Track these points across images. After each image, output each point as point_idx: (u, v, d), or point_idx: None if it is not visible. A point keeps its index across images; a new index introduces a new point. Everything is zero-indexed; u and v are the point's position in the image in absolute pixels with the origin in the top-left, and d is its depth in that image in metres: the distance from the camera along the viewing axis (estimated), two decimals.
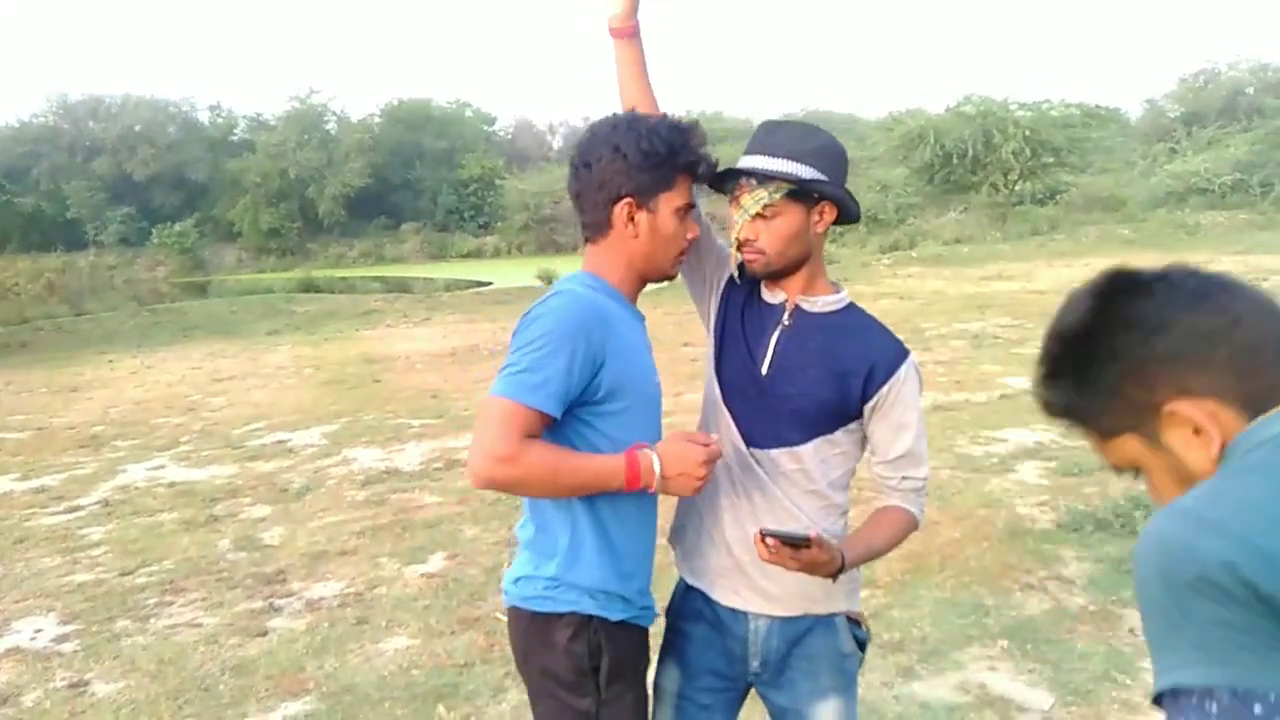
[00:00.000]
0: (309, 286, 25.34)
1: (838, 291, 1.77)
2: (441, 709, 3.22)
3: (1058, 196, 29.71)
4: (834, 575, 1.59)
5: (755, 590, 1.73)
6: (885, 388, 1.68)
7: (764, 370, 1.71)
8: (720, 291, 1.82)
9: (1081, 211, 27.66)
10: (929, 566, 4.07)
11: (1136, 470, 0.99)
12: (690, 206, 1.63)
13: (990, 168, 25.96)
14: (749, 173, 1.67)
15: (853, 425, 1.72)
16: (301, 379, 11.17)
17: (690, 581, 1.81)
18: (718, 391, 1.77)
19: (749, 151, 1.69)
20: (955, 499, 5.00)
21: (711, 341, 1.81)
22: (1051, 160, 25.63)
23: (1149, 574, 0.83)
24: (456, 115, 49.67)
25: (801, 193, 1.65)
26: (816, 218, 1.69)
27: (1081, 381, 0.97)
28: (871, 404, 1.69)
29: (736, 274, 1.77)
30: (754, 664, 1.76)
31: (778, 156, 1.66)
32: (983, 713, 2.99)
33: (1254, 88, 36.35)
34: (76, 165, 43.12)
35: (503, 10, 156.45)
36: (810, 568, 1.52)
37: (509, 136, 55.21)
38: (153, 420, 8.94)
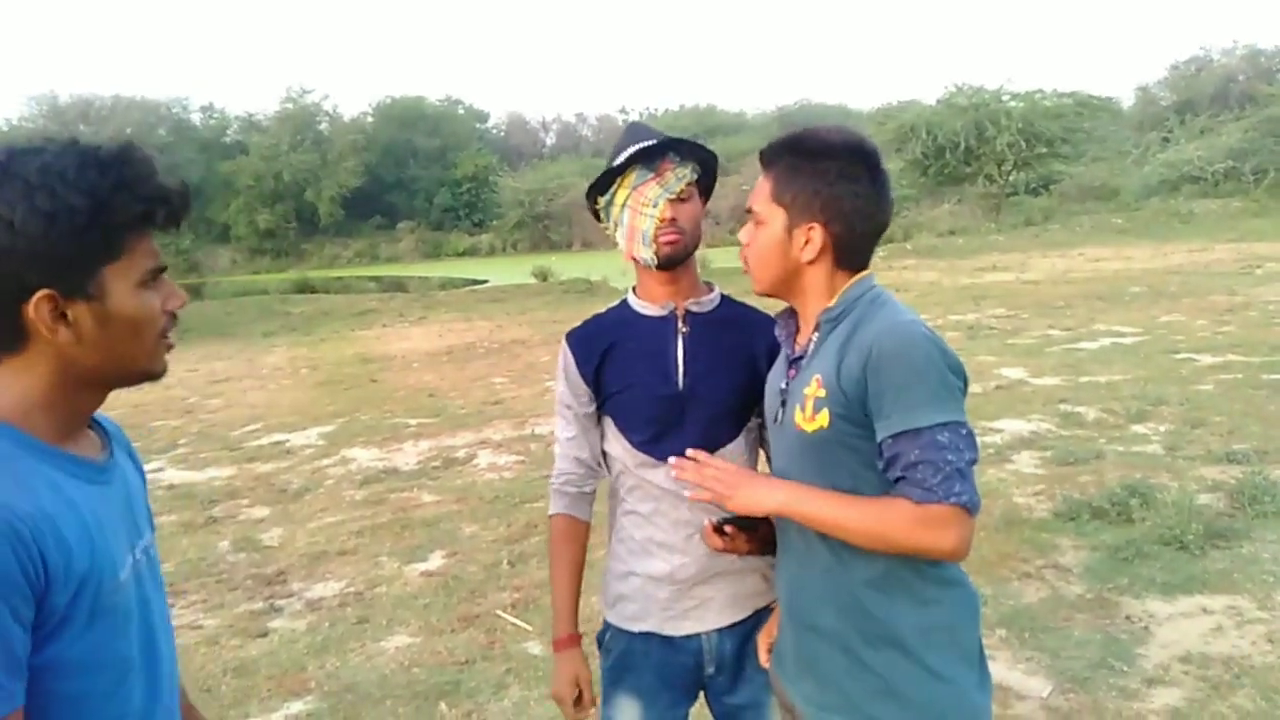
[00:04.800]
0: (304, 287, 25.33)
1: (712, 288, 1.80)
2: (443, 706, 3.23)
3: (1051, 187, 29.79)
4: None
5: (704, 607, 1.75)
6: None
7: (681, 384, 1.71)
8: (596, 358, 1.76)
9: (1075, 201, 27.73)
10: None
11: (755, 225, 1.47)
12: (162, 268, 1.06)
13: (983, 159, 26.03)
14: (676, 145, 1.68)
15: (757, 407, 1.78)
16: (298, 379, 11.17)
17: (634, 629, 1.78)
18: (627, 441, 1.74)
19: (638, 140, 1.67)
20: None
21: (596, 402, 1.77)
22: (1045, 150, 25.71)
23: (930, 354, 1.30)
24: (449, 113, 49.67)
25: (699, 180, 1.72)
26: (703, 205, 1.75)
27: (808, 174, 1.41)
28: None
29: (653, 263, 1.70)
30: (709, 670, 1.78)
31: (668, 138, 1.70)
32: None
33: (1246, 75, 36.42)
34: None
35: (492, 4, 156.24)
36: (763, 545, 1.56)
37: (502, 134, 55.18)
38: (150, 423, 8.93)
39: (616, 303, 1.83)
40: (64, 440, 1.03)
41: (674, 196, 1.66)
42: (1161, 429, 5.81)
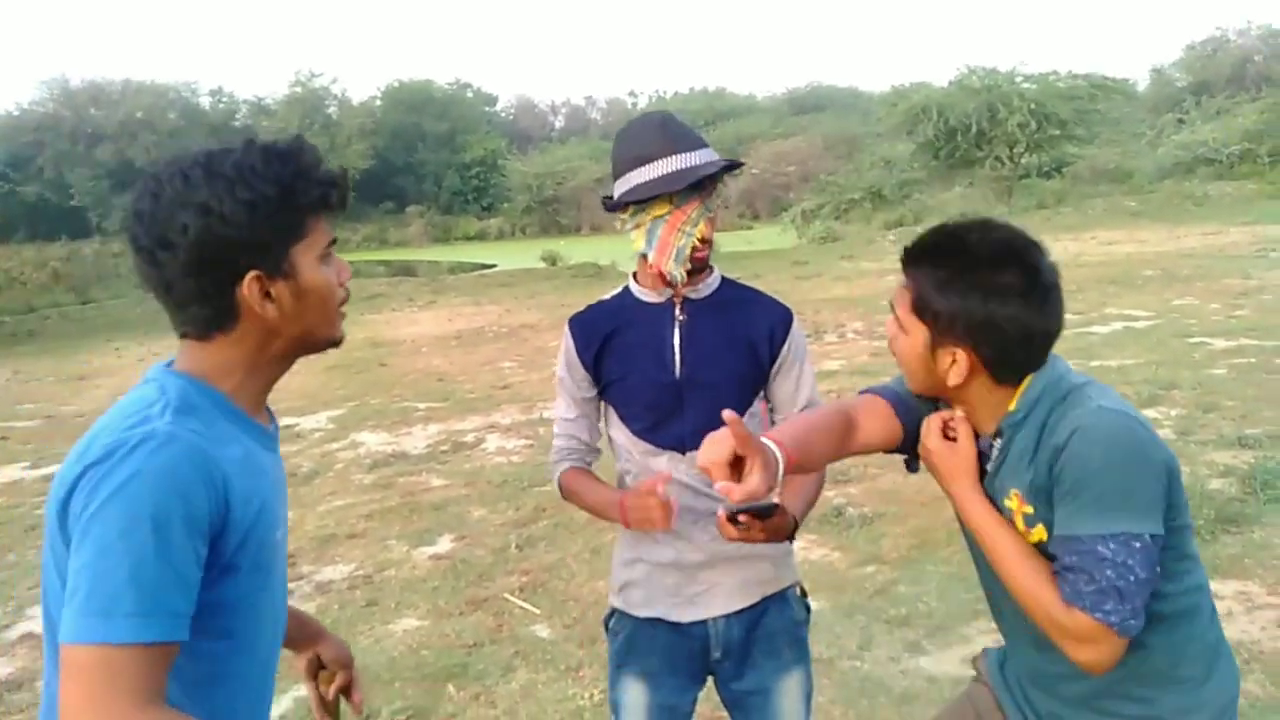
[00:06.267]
0: None
1: (711, 270, 1.78)
2: (451, 688, 3.25)
3: (1064, 169, 29.52)
4: (790, 536, 1.64)
5: (711, 593, 1.74)
6: (785, 346, 1.75)
7: (678, 372, 1.70)
8: (593, 348, 1.76)
9: (1088, 184, 27.50)
10: (935, 541, 4.08)
11: (898, 326, 1.35)
12: (334, 241, 1.20)
13: (995, 141, 25.77)
14: (726, 169, 1.64)
15: (761, 391, 1.77)
16: (307, 363, 11.10)
17: (641, 614, 1.79)
18: (628, 429, 1.75)
19: (675, 150, 1.62)
20: None
21: (596, 387, 1.78)
22: (1057, 133, 25.41)
23: (1113, 451, 1.19)
24: (457, 96, 49.56)
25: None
26: None
27: (954, 289, 1.27)
28: (777, 364, 1.75)
29: (683, 279, 1.68)
30: (716, 655, 1.78)
31: (705, 147, 1.66)
32: None
33: (1263, 55, 36.00)
34: (79, 153, 43.13)
35: None
36: (775, 534, 1.55)
37: (510, 117, 55.08)
38: None
39: (619, 289, 1.82)
40: (252, 408, 1.19)
41: (712, 214, 1.66)
42: (1173, 413, 5.77)
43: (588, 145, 44.33)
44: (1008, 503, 1.31)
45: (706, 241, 1.66)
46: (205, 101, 47.55)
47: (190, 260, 1.08)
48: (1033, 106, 24.74)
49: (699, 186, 1.64)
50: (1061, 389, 1.29)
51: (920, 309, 1.31)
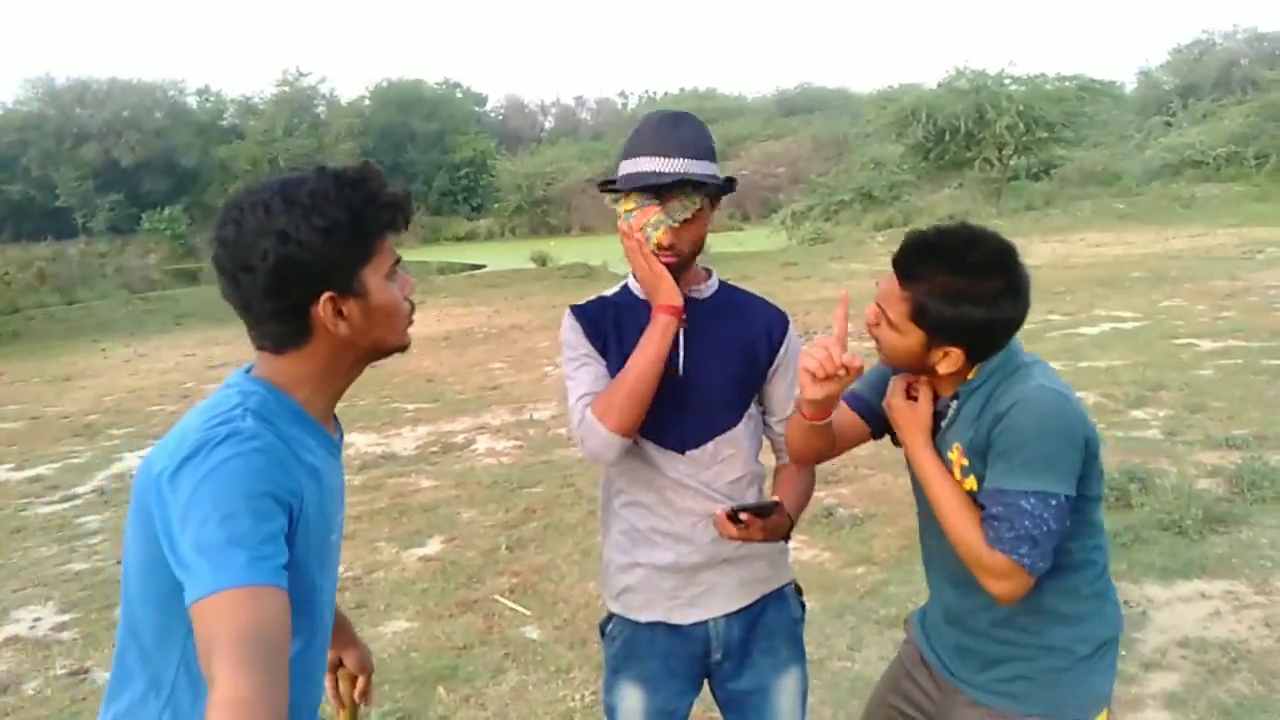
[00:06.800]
0: None
1: (710, 274, 1.78)
2: (441, 691, 3.24)
3: (1052, 171, 29.68)
4: (786, 535, 1.65)
5: (710, 593, 1.74)
6: (782, 349, 1.76)
7: (680, 372, 1.68)
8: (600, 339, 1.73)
9: (1076, 186, 27.63)
10: None
11: (888, 325, 1.49)
12: (399, 259, 1.28)
13: (984, 143, 25.87)
14: (689, 180, 1.60)
15: (758, 394, 1.78)
16: None
17: (641, 618, 1.77)
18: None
19: (658, 152, 1.61)
20: None
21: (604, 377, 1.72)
22: (1046, 135, 25.53)
23: (1045, 424, 1.40)
24: (447, 96, 49.47)
25: (714, 193, 1.66)
26: (714, 210, 1.70)
27: (951, 300, 1.43)
28: (773, 367, 1.76)
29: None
30: (716, 656, 1.78)
31: (699, 158, 1.62)
32: None
33: (1249, 58, 36.29)
34: (64, 152, 42.83)
35: None
36: (773, 532, 1.57)
37: (500, 117, 54.99)
38: (147, 408, 8.92)
39: (619, 286, 1.81)
40: (321, 416, 1.27)
41: (676, 224, 1.62)
42: (1161, 414, 5.81)
43: (578, 146, 44.29)
44: (950, 455, 1.52)
45: (667, 248, 1.63)
46: (192, 100, 47.33)
47: (269, 283, 1.16)
48: (1021, 108, 24.85)
49: (657, 193, 1.61)
50: (1012, 365, 1.50)
51: (919, 316, 1.45)
